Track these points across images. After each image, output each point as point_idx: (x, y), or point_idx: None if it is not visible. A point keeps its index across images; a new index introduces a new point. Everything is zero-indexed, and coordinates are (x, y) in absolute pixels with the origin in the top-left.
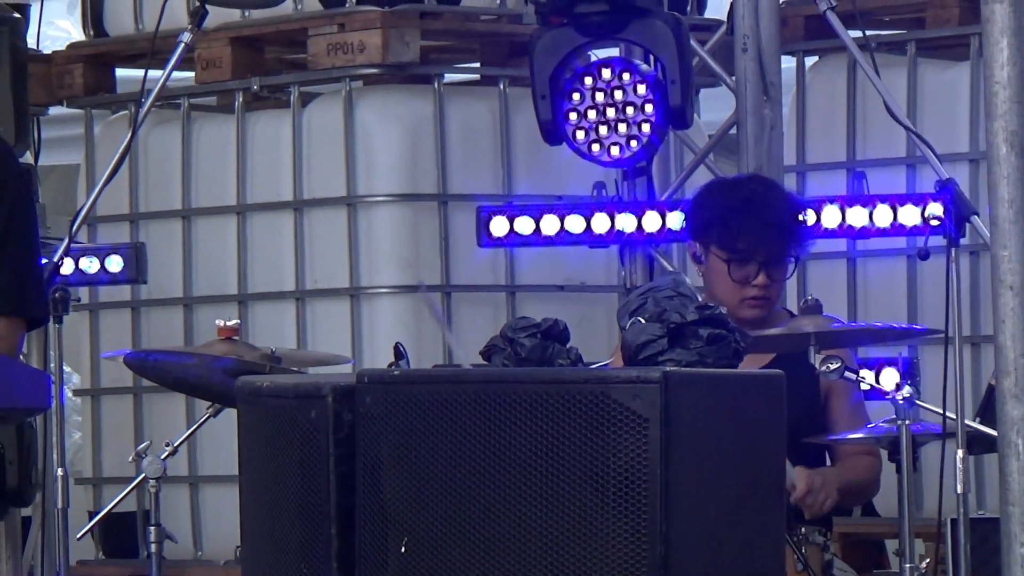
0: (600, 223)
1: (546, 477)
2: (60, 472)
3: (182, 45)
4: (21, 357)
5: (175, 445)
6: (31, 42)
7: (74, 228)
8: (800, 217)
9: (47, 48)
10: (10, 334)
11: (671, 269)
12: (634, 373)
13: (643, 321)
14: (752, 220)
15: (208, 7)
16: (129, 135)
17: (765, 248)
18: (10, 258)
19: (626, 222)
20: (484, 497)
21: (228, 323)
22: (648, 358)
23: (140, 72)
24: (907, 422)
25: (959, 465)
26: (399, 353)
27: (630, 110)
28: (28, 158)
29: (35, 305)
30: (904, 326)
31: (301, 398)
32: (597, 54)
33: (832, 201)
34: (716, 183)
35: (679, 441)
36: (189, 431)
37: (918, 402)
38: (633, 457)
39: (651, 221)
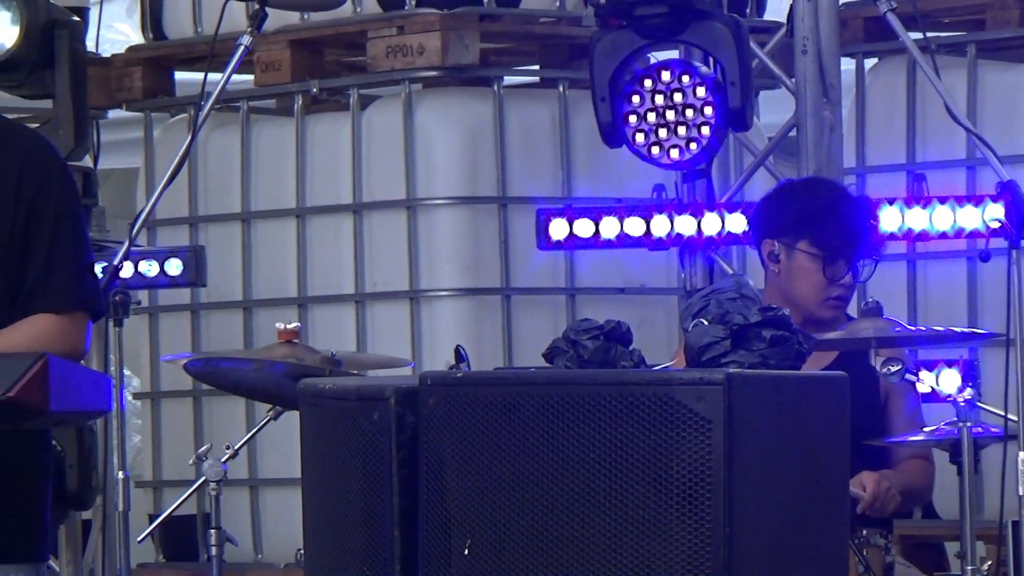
0: (660, 226)
1: (609, 479)
2: (121, 475)
3: (242, 48)
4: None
5: (235, 448)
6: (90, 45)
7: (134, 231)
8: (873, 221)
9: (106, 51)
10: (77, 330)
11: (731, 271)
12: (697, 375)
13: (706, 323)
14: (846, 218)
15: (267, 10)
16: (189, 138)
17: (856, 247)
18: (62, 254)
19: (686, 224)
20: (547, 499)
21: (288, 326)
22: (711, 360)
23: (199, 75)
24: (968, 424)
25: (1020, 467)
26: (460, 355)
27: (690, 112)
28: (87, 161)
29: (94, 298)
30: (965, 330)
31: (364, 400)
32: (656, 56)
33: (892, 203)
34: (791, 184)
35: (742, 443)
36: (249, 434)
37: (979, 404)
38: (696, 459)
39: (711, 223)
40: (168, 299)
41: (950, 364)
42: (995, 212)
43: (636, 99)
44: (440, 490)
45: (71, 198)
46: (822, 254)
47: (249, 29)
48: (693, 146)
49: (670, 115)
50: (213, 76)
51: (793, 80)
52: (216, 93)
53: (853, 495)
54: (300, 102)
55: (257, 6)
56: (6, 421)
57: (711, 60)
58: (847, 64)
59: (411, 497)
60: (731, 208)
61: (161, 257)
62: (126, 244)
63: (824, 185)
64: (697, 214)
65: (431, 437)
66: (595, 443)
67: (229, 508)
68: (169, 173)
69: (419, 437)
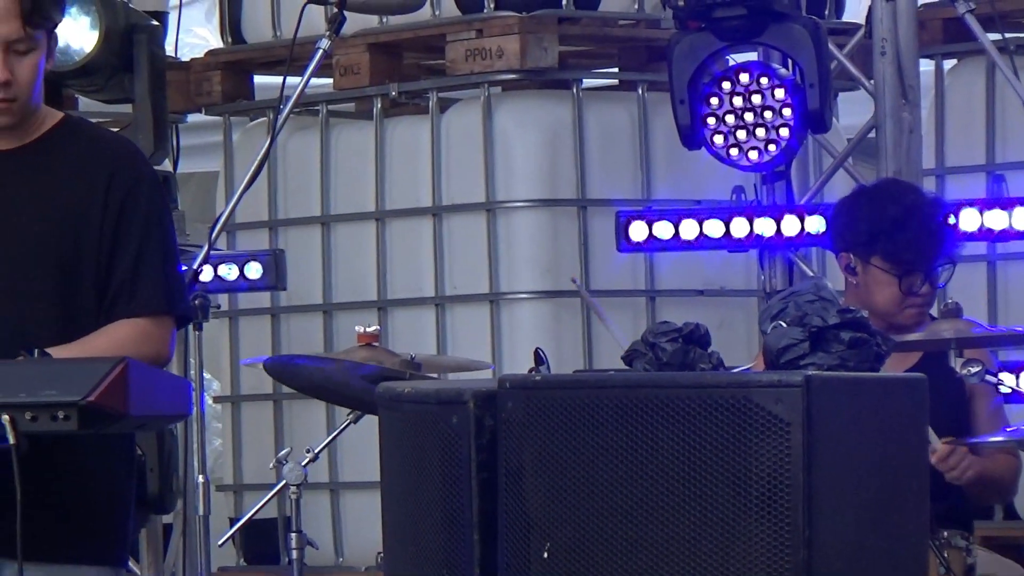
0: (739, 227)
1: (688, 482)
2: (201, 479)
3: (320, 52)
4: None
5: (315, 451)
6: (169, 50)
7: (213, 235)
8: (949, 220)
9: (185, 55)
10: (163, 334)
11: (811, 273)
12: (776, 377)
13: (784, 325)
14: (917, 230)
15: (346, 13)
16: (268, 142)
17: (930, 257)
18: (151, 260)
19: (765, 226)
20: (626, 502)
21: (368, 329)
22: (789, 362)
23: (278, 79)
24: None
25: None
26: (539, 358)
27: (768, 114)
28: (167, 166)
29: (180, 304)
30: None
31: (443, 404)
32: (735, 58)
33: (971, 204)
34: (863, 193)
35: (821, 445)
36: (329, 437)
37: None
38: (775, 461)
39: (790, 225)
40: (248, 303)
41: None
42: None
43: (715, 101)
44: (519, 493)
45: (160, 205)
46: (896, 269)
47: (327, 33)
48: (772, 148)
49: (749, 117)
50: (292, 80)
51: (872, 82)
52: (295, 97)
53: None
54: (379, 105)
55: (335, 10)
56: (87, 426)
57: (790, 62)
58: (926, 65)
59: (490, 501)
60: (810, 210)
61: (241, 261)
62: (206, 248)
63: (894, 194)
64: (776, 216)
65: (510, 440)
66: (674, 446)
67: (310, 511)
68: (248, 177)
69: (498, 440)
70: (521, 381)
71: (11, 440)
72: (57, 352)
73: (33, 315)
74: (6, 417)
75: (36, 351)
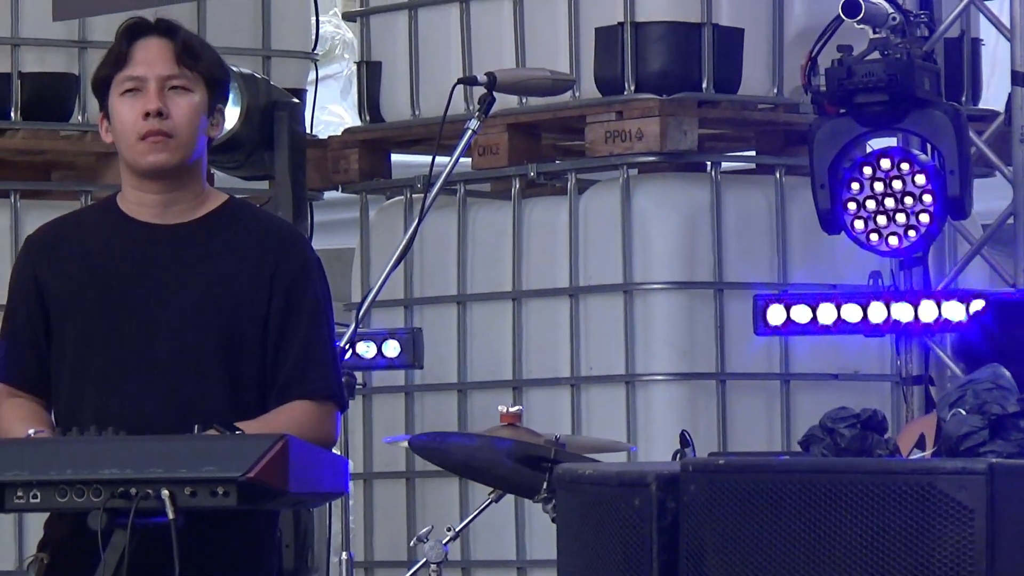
0: (877, 312)
1: (870, 567)
2: (345, 556)
3: (469, 132)
4: None
5: (457, 530)
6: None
7: (360, 314)
8: None
9: (320, 133)
10: (331, 419)
11: (946, 359)
12: (960, 464)
13: (963, 412)
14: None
15: (493, 94)
16: (416, 221)
17: None
18: (318, 345)
19: (903, 312)
20: None
21: (511, 409)
22: (968, 449)
23: (413, 157)
24: None
25: None
26: (685, 440)
27: (908, 200)
28: None
29: (343, 390)
30: None
31: (624, 486)
32: (873, 144)
33: None
34: (984, 310)
35: (1004, 532)
36: (471, 516)
37: None
38: (958, 548)
39: (927, 311)
40: (381, 380)
41: None
42: None
43: (855, 186)
44: None
45: (325, 289)
46: None
47: (476, 113)
48: (912, 234)
49: (889, 203)
50: (428, 158)
51: (1010, 168)
52: (444, 175)
53: None
54: (517, 185)
55: (485, 91)
56: (246, 502)
57: (929, 148)
58: None
59: None
60: (948, 296)
61: (379, 339)
62: (352, 327)
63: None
64: (914, 301)
65: (692, 523)
66: (856, 531)
67: None
68: (396, 256)
69: (680, 523)
70: (703, 464)
71: (170, 515)
72: (244, 428)
73: (205, 391)
74: (166, 492)
75: (221, 428)
